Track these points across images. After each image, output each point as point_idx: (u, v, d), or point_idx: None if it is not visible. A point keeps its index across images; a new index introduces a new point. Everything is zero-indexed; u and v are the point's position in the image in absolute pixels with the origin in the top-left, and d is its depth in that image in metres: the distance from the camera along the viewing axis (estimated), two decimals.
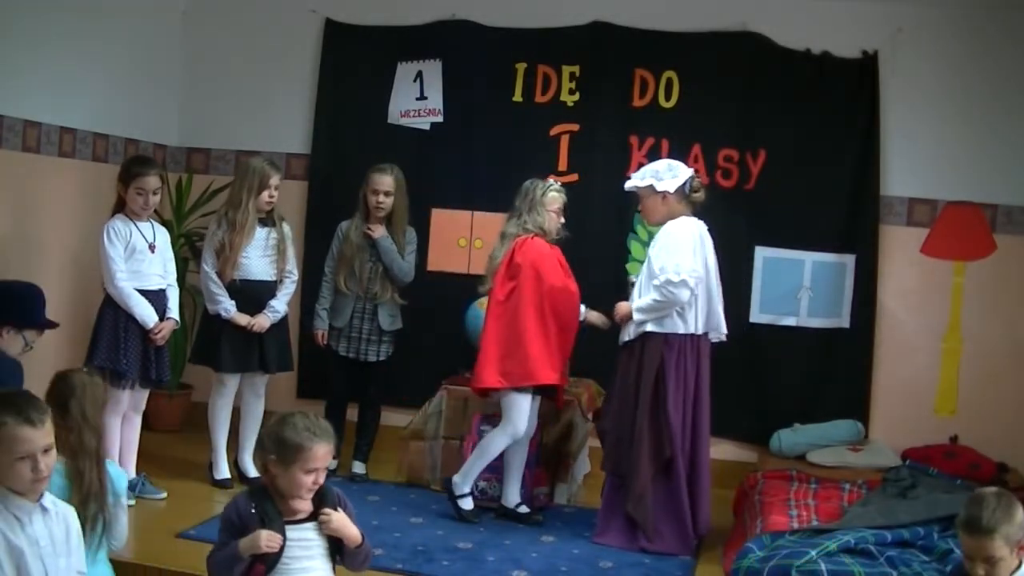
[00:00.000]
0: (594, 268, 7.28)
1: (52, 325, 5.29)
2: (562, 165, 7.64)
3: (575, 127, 7.66)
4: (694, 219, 5.94)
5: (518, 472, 6.41)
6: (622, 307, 5.95)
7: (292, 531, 3.97)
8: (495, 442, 6.29)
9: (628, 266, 6.33)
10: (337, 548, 4.05)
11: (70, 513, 3.71)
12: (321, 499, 4.04)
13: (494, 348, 6.19)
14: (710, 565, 5.75)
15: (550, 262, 6.21)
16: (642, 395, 5.86)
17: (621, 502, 5.99)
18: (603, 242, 7.35)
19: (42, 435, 3.48)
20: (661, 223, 5.97)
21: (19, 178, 6.60)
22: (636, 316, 5.85)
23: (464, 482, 6.38)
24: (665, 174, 5.93)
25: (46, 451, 3.50)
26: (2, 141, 6.39)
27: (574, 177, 7.59)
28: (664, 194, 5.93)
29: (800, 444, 7.00)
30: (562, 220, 6.35)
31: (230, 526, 4.03)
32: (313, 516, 4.00)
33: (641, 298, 5.86)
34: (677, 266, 5.76)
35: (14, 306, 5.19)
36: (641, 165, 7.30)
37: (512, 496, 6.41)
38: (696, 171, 6.17)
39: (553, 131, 7.68)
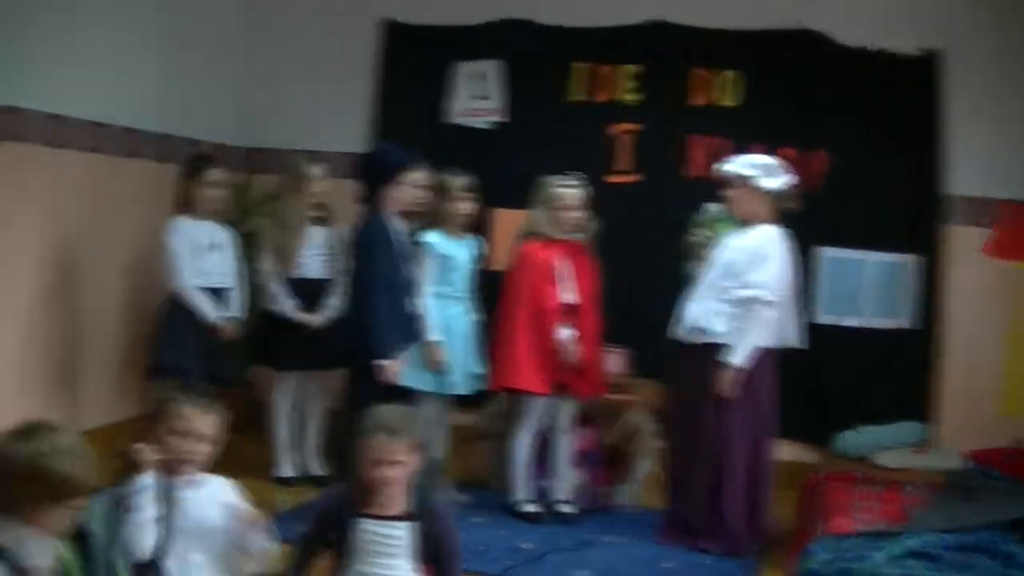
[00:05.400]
0: (652, 268, 7.27)
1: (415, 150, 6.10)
2: (621, 165, 7.64)
3: (634, 127, 7.66)
4: (781, 230, 5.86)
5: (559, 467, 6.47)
6: (728, 382, 5.76)
7: (375, 526, 4.00)
8: (516, 443, 6.37)
9: (686, 265, 6.31)
10: (433, 553, 4.07)
11: (221, 488, 3.93)
12: (419, 501, 4.07)
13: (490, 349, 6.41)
14: (773, 567, 5.70)
15: (531, 270, 6.24)
16: (706, 402, 5.81)
17: (682, 504, 5.98)
18: (661, 241, 7.30)
19: (203, 422, 3.80)
20: (744, 218, 5.90)
21: (85, 178, 6.65)
22: (742, 363, 5.74)
23: (516, 491, 6.41)
24: (767, 171, 5.82)
25: (199, 439, 3.80)
26: (69, 142, 6.45)
27: (633, 177, 7.61)
28: (760, 191, 5.83)
29: (863, 445, 6.94)
30: (576, 214, 6.29)
31: (319, 514, 4.17)
32: (406, 516, 4.03)
33: (733, 345, 5.73)
34: (767, 284, 5.70)
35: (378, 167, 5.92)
36: (703, 164, 7.35)
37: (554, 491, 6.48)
38: (797, 177, 6.09)
39: (612, 131, 7.67)
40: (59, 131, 6.35)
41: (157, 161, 7.21)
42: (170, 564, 3.77)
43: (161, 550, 3.74)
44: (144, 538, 3.68)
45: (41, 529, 3.15)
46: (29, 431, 3.16)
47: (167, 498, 3.81)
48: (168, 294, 6.38)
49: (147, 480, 3.78)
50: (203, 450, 3.84)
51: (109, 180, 6.85)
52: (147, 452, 3.84)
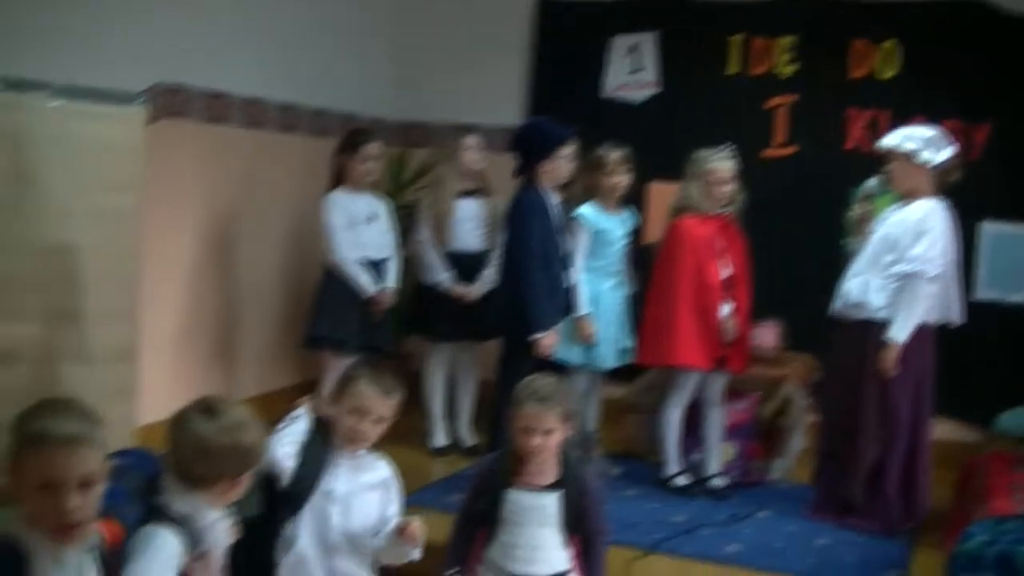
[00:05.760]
0: (807, 241, 7.18)
1: (570, 124, 6.13)
2: (778, 138, 7.56)
3: (791, 99, 7.56)
4: (943, 203, 5.68)
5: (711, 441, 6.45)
6: (888, 359, 5.64)
7: (526, 495, 4.04)
8: (668, 416, 6.33)
9: (846, 240, 6.23)
10: (577, 521, 4.10)
11: (378, 465, 4.10)
12: (569, 471, 4.10)
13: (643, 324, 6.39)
14: (928, 548, 5.59)
15: (690, 247, 6.18)
16: (866, 381, 5.70)
17: (837, 481, 5.91)
18: (818, 215, 7.20)
19: (383, 404, 3.95)
20: (905, 193, 5.75)
21: (243, 154, 6.79)
22: (903, 337, 5.61)
23: (669, 464, 6.39)
24: (929, 144, 5.64)
25: (376, 421, 3.95)
26: (228, 118, 6.59)
27: (791, 150, 7.53)
28: (922, 165, 5.64)
29: None
30: (728, 188, 6.24)
31: (475, 485, 4.22)
32: (555, 486, 4.06)
33: (892, 320, 5.59)
34: (928, 258, 5.53)
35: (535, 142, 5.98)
36: (861, 137, 7.24)
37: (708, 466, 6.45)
38: (959, 147, 5.92)
39: (769, 103, 7.60)
40: (219, 108, 6.51)
41: (313, 136, 7.33)
42: (307, 520, 3.93)
43: (301, 489, 3.91)
44: (281, 456, 3.86)
45: (220, 499, 3.27)
46: (209, 408, 3.27)
47: (325, 464, 3.94)
48: (325, 266, 6.48)
49: (300, 413, 4.00)
50: (378, 431, 3.98)
51: (266, 155, 6.99)
52: (308, 402, 4.04)
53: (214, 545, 3.28)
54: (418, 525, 3.91)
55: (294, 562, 3.93)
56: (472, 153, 6.75)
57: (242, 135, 6.75)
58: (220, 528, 3.32)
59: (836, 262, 6.07)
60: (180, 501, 3.21)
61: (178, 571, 3.13)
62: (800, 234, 7.30)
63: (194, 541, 3.18)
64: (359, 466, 4.02)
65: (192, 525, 3.19)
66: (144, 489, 3.30)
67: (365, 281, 6.42)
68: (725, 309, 6.17)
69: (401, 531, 3.91)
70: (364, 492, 4.00)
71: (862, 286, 5.72)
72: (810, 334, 6.42)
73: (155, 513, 3.19)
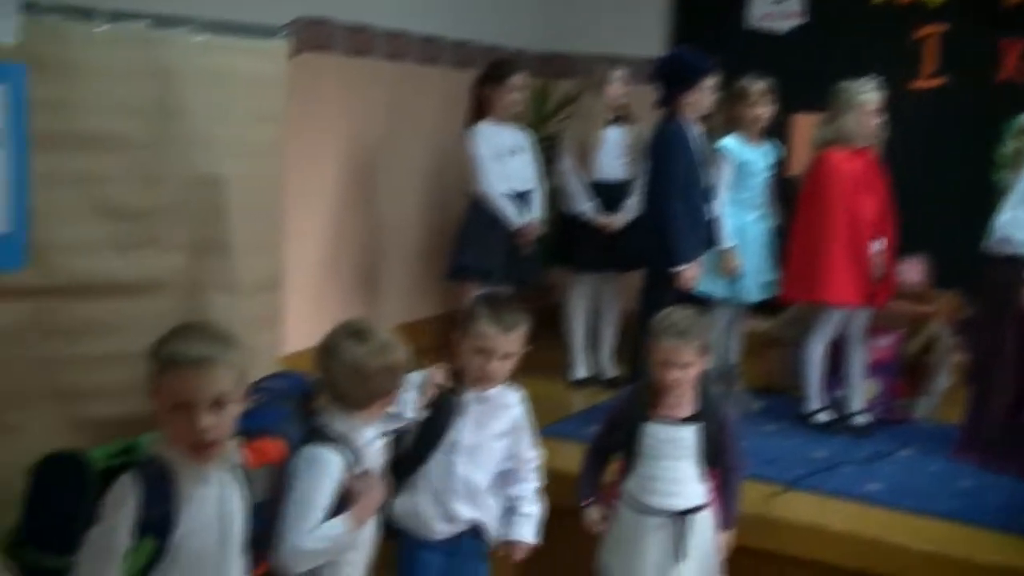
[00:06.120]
0: (957, 176, 7.04)
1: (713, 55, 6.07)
2: (927, 69, 7.40)
3: (940, 29, 7.40)
4: None
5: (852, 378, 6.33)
6: None
7: (663, 428, 4.05)
8: (809, 351, 6.24)
9: (999, 175, 6.08)
10: (715, 454, 4.10)
11: (511, 402, 4.08)
12: (707, 404, 4.11)
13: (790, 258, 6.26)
14: None
15: (840, 181, 6.02)
16: (1006, 315, 5.58)
17: (983, 421, 5.80)
18: (969, 149, 7.04)
19: (506, 341, 3.85)
20: None
21: (385, 86, 6.83)
22: None
23: (811, 400, 6.31)
24: None
25: (502, 358, 3.85)
26: (370, 51, 6.63)
27: (940, 81, 7.37)
28: None
29: None
30: (876, 120, 6.09)
31: (611, 417, 4.27)
32: (693, 418, 4.06)
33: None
34: None
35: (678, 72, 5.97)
36: (1015, 69, 7.06)
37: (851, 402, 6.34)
38: None
39: (918, 33, 7.44)
40: (361, 40, 6.56)
41: (455, 68, 7.34)
42: (430, 468, 3.89)
43: (426, 442, 3.89)
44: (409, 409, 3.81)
45: (374, 417, 3.38)
46: (357, 332, 3.39)
47: (454, 413, 3.91)
48: (471, 197, 6.51)
49: (409, 396, 3.81)
50: (505, 368, 3.92)
51: (408, 87, 7.02)
52: (438, 376, 3.92)
53: (372, 463, 3.38)
54: (524, 554, 4.03)
55: (410, 505, 3.91)
56: (618, 86, 6.70)
57: (384, 67, 6.79)
58: (375, 447, 3.41)
59: (986, 197, 5.93)
60: (338, 421, 3.30)
61: (340, 488, 3.22)
62: (948, 168, 7.17)
63: (354, 459, 3.27)
64: (488, 412, 3.98)
65: (351, 444, 3.29)
66: (301, 411, 3.40)
67: (512, 213, 6.44)
68: (876, 245, 6.06)
69: (509, 544, 4.03)
70: (491, 442, 4.00)
71: (1011, 221, 5.57)
72: (959, 271, 6.29)
73: (315, 434, 3.31)
